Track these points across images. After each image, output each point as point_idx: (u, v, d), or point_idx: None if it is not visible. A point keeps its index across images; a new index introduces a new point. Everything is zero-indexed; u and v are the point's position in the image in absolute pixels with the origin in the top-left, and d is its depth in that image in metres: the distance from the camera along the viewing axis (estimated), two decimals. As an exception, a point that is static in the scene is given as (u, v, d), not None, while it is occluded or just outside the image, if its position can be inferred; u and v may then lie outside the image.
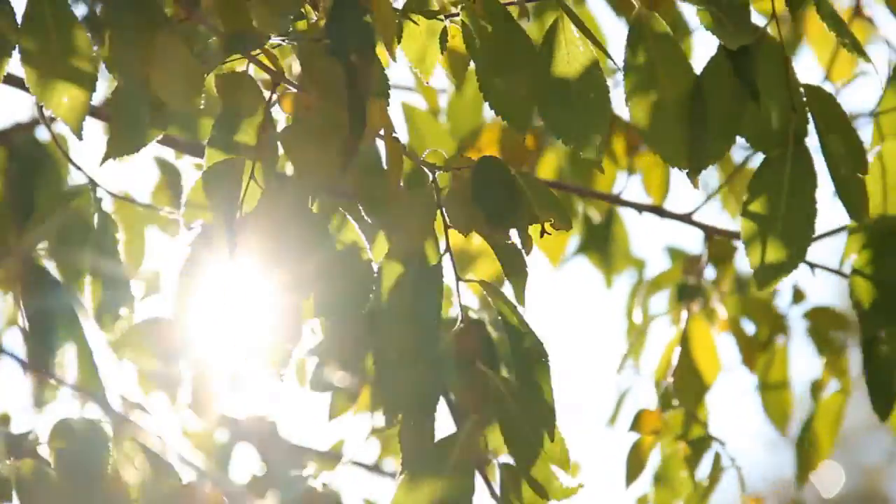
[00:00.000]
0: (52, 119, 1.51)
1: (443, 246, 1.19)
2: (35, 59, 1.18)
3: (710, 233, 1.75)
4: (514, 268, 1.18)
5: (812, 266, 1.58)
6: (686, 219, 1.74)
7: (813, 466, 1.92)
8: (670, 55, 1.24)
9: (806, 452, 1.92)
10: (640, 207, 1.78)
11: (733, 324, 1.95)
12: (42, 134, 1.67)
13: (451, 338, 1.18)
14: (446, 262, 1.18)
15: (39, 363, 1.27)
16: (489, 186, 1.18)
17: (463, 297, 1.21)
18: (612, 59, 1.23)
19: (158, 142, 1.24)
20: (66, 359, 1.24)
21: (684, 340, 1.87)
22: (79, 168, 1.48)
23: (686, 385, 1.84)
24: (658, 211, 1.77)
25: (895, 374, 1.38)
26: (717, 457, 1.74)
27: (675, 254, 2.16)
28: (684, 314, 1.89)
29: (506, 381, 1.17)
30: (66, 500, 1.26)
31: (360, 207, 1.23)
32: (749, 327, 1.96)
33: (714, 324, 1.91)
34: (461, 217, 1.18)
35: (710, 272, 1.95)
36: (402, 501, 1.16)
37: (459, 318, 1.19)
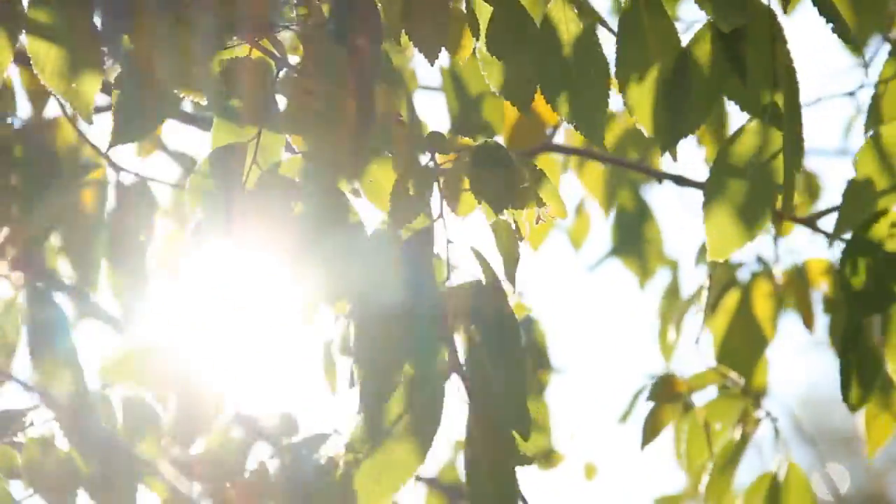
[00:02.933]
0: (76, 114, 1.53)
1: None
2: (43, 45, 1.20)
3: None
4: (506, 247, 1.18)
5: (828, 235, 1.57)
6: (703, 186, 1.73)
7: (884, 435, 1.89)
8: (661, 27, 1.24)
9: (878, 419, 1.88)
10: (659, 176, 1.78)
11: (792, 285, 1.93)
12: (65, 128, 1.68)
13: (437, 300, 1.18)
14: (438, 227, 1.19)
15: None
16: (487, 169, 1.18)
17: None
18: (608, 29, 1.23)
19: (179, 120, 1.24)
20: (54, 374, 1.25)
21: (742, 302, 1.86)
22: (97, 149, 1.50)
23: (741, 347, 1.83)
24: (677, 179, 1.76)
25: (878, 364, 1.36)
26: (749, 409, 1.72)
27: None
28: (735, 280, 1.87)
29: (487, 349, 1.17)
30: (74, 478, 1.27)
31: (362, 192, 1.23)
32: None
33: (773, 285, 1.90)
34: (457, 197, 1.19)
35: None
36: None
37: (446, 278, 1.19)
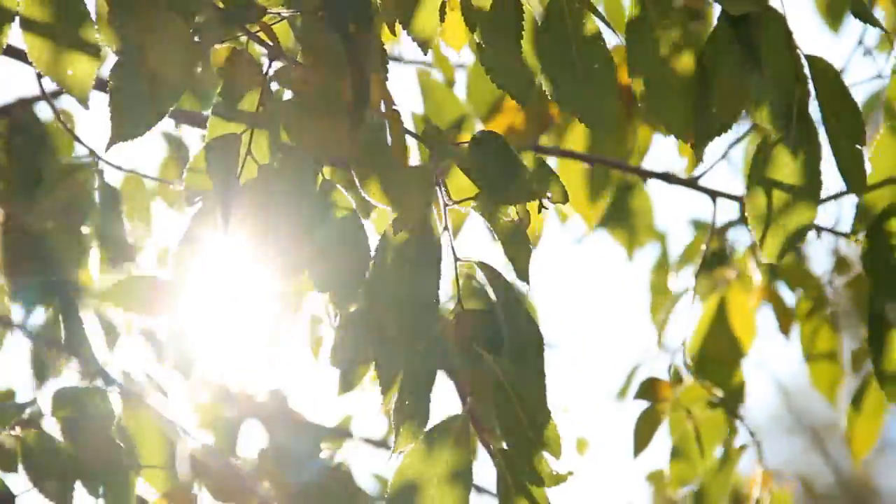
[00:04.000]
0: (56, 94, 1.51)
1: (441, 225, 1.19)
2: (38, 31, 1.18)
3: (716, 197, 1.74)
4: (516, 244, 1.17)
5: (818, 230, 1.57)
6: (692, 184, 1.73)
7: (866, 446, 1.90)
8: (673, 25, 1.24)
9: (858, 429, 1.89)
10: (646, 174, 1.78)
11: (769, 291, 1.94)
12: (44, 109, 1.67)
13: (447, 319, 1.17)
14: (445, 241, 1.18)
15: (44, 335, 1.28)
16: (488, 161, 1.17)
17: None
18: (612, 29, 1.22)
19: (171, 116, 1.24)
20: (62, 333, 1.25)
21: (720, 307, 1.86)
22: (81, 142, 1.49)
23: (720, 354, 1.84)
24: (665, 177, 1.76)
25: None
26: (735, 431, 1.73)
27: (700, 226, 2.15)
28: (720, 282, 1.88)
29: (501, 365, 1.16)
30: (71, 470, 1.27)
31: (358, 183, 1.23)
32: (787, 296, 1.95)
33: (750, 292, 1.90)
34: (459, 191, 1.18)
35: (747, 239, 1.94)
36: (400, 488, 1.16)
37: (457, 298, 1.19)
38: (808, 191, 1.27)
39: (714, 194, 1.72)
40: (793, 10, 1.28)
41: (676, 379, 1.77)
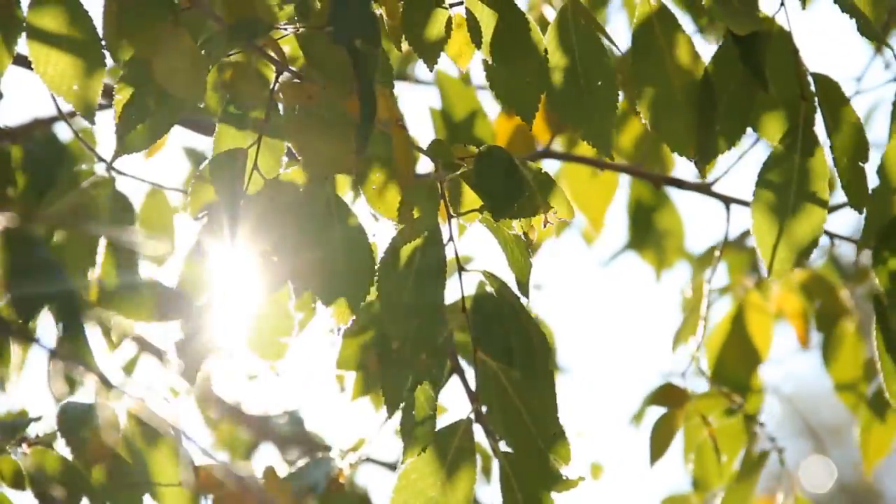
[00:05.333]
0: (73, 113, 1.52)
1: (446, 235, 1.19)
2: (43, 47, 1.19)
3: (730, 204, 1.72)
4: (518, 259, 1.17)
5: (832, 237, 1.56)
6: (706, 190, 1.73)
7: (879, 455, 1.88)
8: (678, 42, 1.24)
9: (872, 437, 1.87)
10: (658, 179, 1.77)
11: (789, 301, 1.93)
12: (62, 128, 1.68)
13: (452, 327, 1.17)
14: (450, 252, 1.18)
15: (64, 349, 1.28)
16: (493, 176, 1.17)
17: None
18: (616, 47, 1.23)
19: (182, 125, 1.24)
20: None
21: (738, 315, 1.85)
22: (98, 155, 1.49)
23: (738, 359, 1.83)
24: (677, 182, 1.75)
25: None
26: (756, 438, 1.71)
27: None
28: (738, 289, 1.87)
29: (507, 373, 1.16)
30: (78, 488, 1.27)
31: (364, 196, 1.23)
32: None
33: (768, 300, 1.89)
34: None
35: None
36: (403, 492, 1.16)
37: (461, 307, 1.19)
38: (813, 209, 1.26)
39: (728, 200, 1.71)
40: (804, 22, 1.28)
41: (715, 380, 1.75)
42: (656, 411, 1.68)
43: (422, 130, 1.89)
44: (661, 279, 2.14)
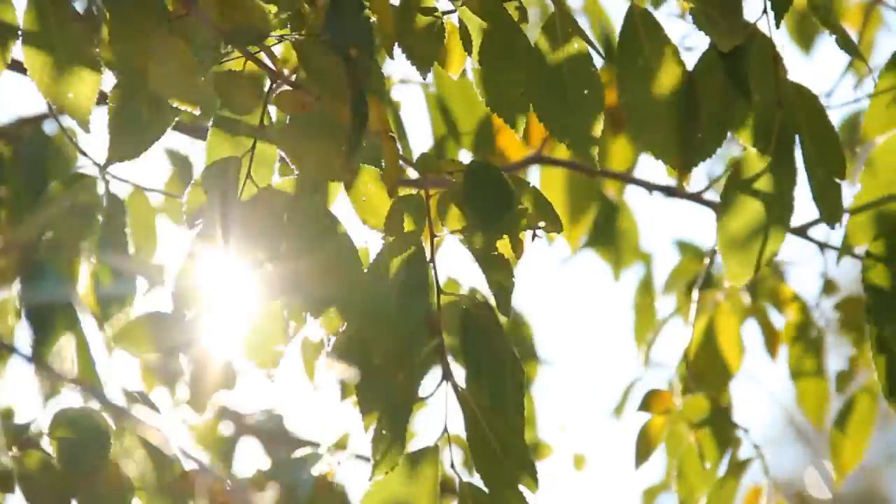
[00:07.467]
0: (61, 112, 1.52)
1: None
2: (38, 54, 1.19)
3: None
4: (499, 278, 1.18)
5: (822, 246, 1.57)
6: (696, 198, 1.74)
7: (850, 463, 1.90)
8: (663, 51, 1.25)
9: (842, 448, 1.89)
10: (650, 187, 1.78)
11: (757, 312, 1.94)
12: (50, 127, 1.68)
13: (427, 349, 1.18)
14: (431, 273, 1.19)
15: (41, 357, 1.28)
16: (481, 190, 1.18)
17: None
18: (600, 54, 1.23)
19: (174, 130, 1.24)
20: (65, 351, 1.25)
21: (709, 328, 1.87)
22: (90, 159, 1.49)
23: (709, 373, 1.84)
24: (668, 190, 1.76)
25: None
26: (739, 443, 1.72)
27: (685, 247, 2.16)
28: (708, 303, 1.89)
29: (477, 399, 1.17)
30: (67, 491, 1.27)
31: (353, 207, 1.23)
32: (776, 318, 1.96)
33: (738, 313, 1.91)
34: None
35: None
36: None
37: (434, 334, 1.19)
38: (779, 216, 1.27)
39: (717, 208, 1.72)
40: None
41: (687, 392, 1.76)
42: (642, 417, 1.69)
43: (419, 123, 1.88)
44: (619, 279, 2.17)
